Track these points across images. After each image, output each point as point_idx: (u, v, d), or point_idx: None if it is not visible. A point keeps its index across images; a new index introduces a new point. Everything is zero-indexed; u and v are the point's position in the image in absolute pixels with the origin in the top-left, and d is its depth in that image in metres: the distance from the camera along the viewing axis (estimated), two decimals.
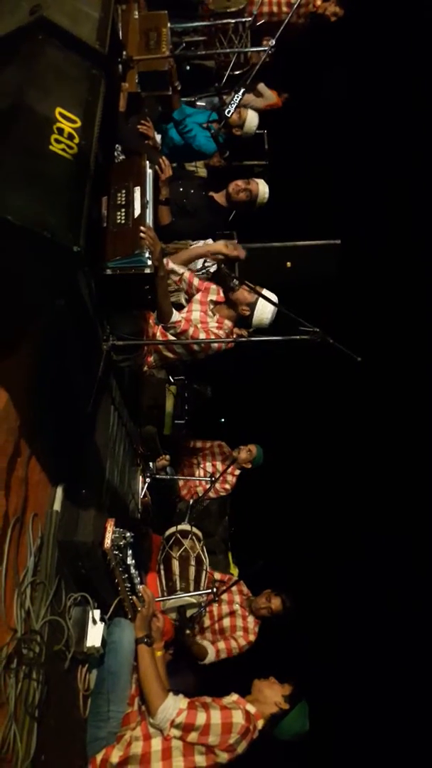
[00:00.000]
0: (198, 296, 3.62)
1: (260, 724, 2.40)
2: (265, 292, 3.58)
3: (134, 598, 2.57)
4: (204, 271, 4.32)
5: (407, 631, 5.64)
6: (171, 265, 3.49)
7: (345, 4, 5.20)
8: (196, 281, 3.69)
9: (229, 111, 4.37)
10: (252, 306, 3.47)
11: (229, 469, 4.46)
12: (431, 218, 6.40)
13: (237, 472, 4.54)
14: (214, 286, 3.79)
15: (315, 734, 2.59)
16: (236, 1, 4.81)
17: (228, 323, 3.53)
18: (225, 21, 4.70)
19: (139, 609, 2.58)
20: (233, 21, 4.67)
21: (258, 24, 4.76)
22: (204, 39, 4.98)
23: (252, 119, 4.62)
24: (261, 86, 5.31)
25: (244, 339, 3.58)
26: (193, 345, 3.29)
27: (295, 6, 4.02)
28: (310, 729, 2.56)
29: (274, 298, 3.57)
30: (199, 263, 4.39)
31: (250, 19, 4.57)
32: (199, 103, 4.95)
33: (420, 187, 6.41)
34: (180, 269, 3.58)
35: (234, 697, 2.47)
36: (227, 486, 4.49)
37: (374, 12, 6.00)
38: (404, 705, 5.33)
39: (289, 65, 4.94)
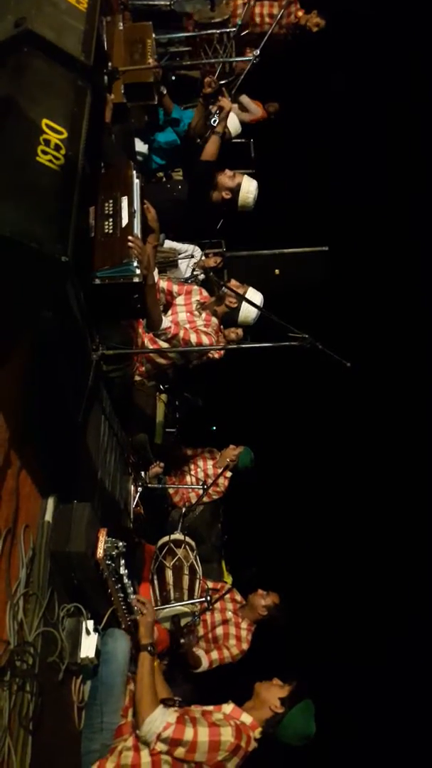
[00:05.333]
0: (181, 299, 3.67)
1: (257, 733, 2.34)
2: (251, 292, 3.62)
3: (132, 609, 2.55)
4: (192, 279, 4.34)
5: (406, 634, 5.64)
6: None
7: (326, 16, 5.27)
8: (175, 288, 3.75)
9: (214, 120, 4.40)
10: (239, 298, 3.52)
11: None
12: (419, 223, 6.46)
13: (228, 474, 4.54)
14: (195, 287, 3.84)
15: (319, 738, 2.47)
16: (220, 12, 4.85)
17: (215, 320, 3.58)
18: (209, 31, 4.74)
19: (141, 615, 2.56)
20: (217, 31, 4.70)
21: (242, 34, 4.80)
22: (189, 49, 5.01)
23: (234, 123, 4.66)
24: (245, 100, 5.34)
25: (234, 346, 3.61)
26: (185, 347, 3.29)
27: (278, 17, 4.06)
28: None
29: (259, 297, 3.63)
30: (188, 272, 4.41)
31: (234, 29, 4.61)
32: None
33: (408, 193, 6.48)
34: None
35: (229, 707, 2.41)
36: (219, 489, 4.48)
37: (357, 22, 6.08)
38: (404, 709, 5.33)
39: (273, 75, 4.98)
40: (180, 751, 2.17)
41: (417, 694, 5.33)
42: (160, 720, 2.23)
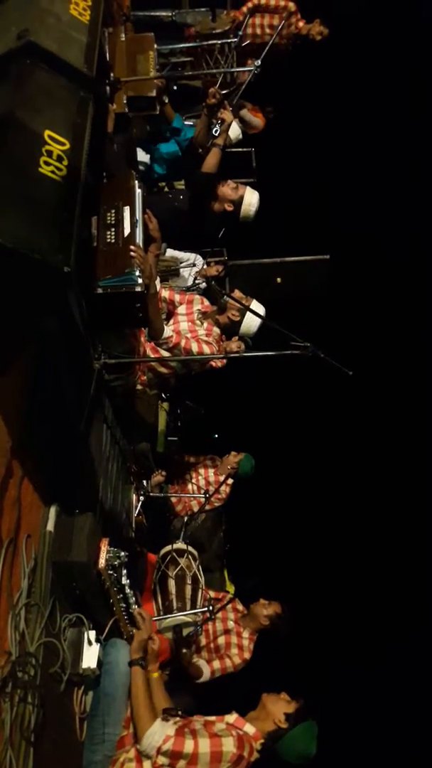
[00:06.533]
0: (182, 308, 3.69)
1: (258, 744, 2.31)
2: (255, 304, 3.63)
3: (130, 621, 2.54)
4: (194, 288, 4.35)
5: (407, 641, 5.62)
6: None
7: (329, 24, 5.28)
8: (177, 297, 3.77)
9: (216, 130, 4.42)
10: (242, 311, 3.53)
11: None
12: (421, 230, 6.47)
13: (230, 481, 4.52)
14: (197, 297, 3.85)
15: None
16: (221, 23, 4.88)
17: (216, 330, 3.59)
18: (211, 42, 4.77)
19: (136, 630, 2.55)
20: (219, 42, 4.73)
21: (243, 45, 4.83)
22: (190, 59, 5.04)
23: (235, 130, 4.68)
24: (247, 116, 5.34)
25: (235, 354, 3.61)
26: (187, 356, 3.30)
27: (279, 28, 4.08)
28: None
29: (262, 310, 3.63)
30: (190, 281, 4.42)
31: (235, 39, 4.64)
32: (186, 123, 5.01)
33: (409, 201, 6.50)
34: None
35: (232, 717, 2.39)
36: (221, 496, 4.47)
37: (360, 29, 6.12)
38: (405, 718, 5.30)
39: (275, 84, 5.01)
40: (182, 764, 2.15)
41: (418, 703, 5.30)
42: (159, 733, 2.21)
